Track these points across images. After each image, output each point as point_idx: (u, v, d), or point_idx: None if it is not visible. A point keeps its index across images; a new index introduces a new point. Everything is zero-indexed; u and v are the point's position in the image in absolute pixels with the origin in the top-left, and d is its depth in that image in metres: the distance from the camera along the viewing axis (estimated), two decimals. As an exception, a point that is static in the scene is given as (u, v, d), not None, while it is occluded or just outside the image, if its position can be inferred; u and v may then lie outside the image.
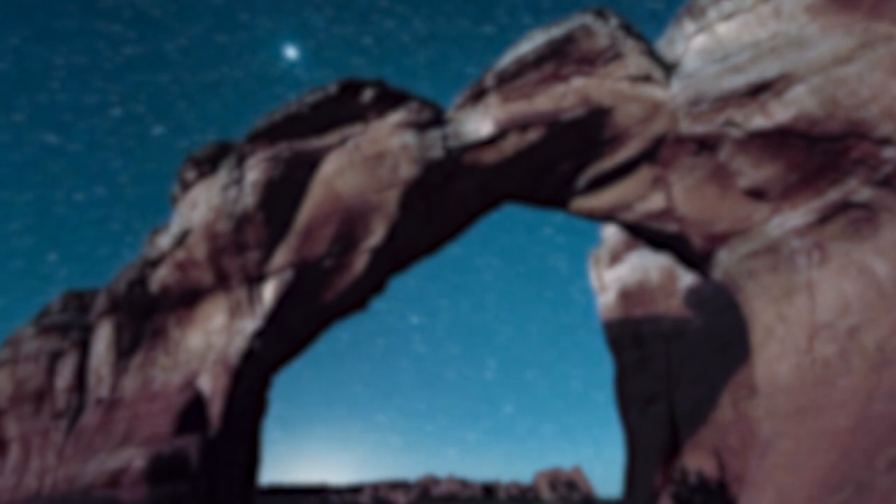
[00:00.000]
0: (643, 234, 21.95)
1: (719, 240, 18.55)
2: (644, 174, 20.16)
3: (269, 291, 23.74)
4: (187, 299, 25.66)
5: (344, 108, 22.99)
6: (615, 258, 39.76)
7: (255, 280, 24.13)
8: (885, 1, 15.03)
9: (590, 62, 19.88)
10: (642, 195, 20.36)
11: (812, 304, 15.71)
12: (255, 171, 23.48)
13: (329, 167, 23.33)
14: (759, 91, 15.90)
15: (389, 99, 22.88)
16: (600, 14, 19.86)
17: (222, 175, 24.79)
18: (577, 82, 20.00)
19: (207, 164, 25.85)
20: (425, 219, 23.86)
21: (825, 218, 15.74)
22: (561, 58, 19.96)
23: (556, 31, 19.92)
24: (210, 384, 23.22)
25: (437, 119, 22.89)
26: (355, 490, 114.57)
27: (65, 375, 27.07)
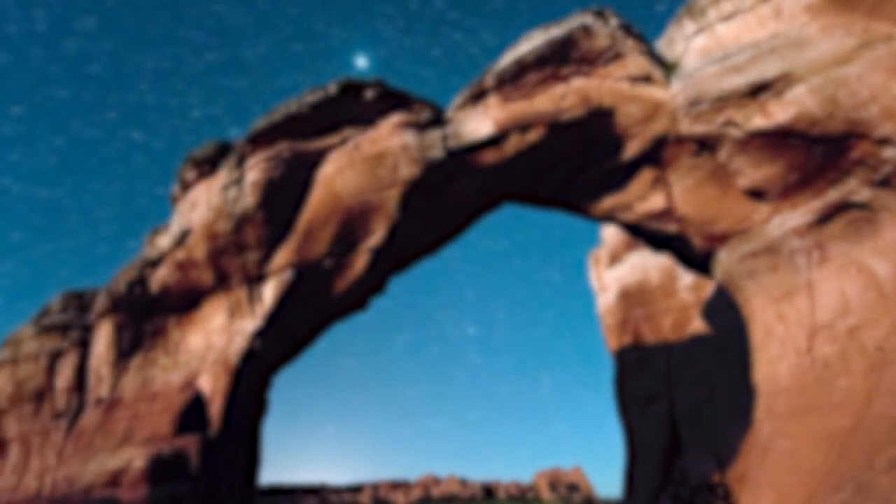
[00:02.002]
0: (643, 234, 21.94)
1: (719, 240, 18.55)
2: (644, 174, 20.16)
3: (269, 291, 23.73)
4: (187, 299, 25.66)
5: (344, 108, 22.98)
6: (615, 258, 39.73)
7: (255, 280, 24.13)
8: (885, 1, 15.03)
9: (590, 62, 19.87)
10: (642, 195, 20.36)
11: (812, 304, 15.70)
12: (255, 171, 23.47)
13: (329, 167, 23.32)
14: (759, 91, 15.90)
15: (389, 99, 22.87)
16: (600, 14, 19.84)
17: (222, 175, 24.79)
18: (577, 83, 19.99)
19: (207, 164, 25.85)
20: (425, 219, 23.85)
21: (825, 218, 15.74)
22: (561, 58, 19.94)
23: (555, 32, 19.89)
24: (210, 384, 23.22)
25: (437, 119, 22.88)
26: (355, 490, 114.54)
27: (65, 375, 27.07)
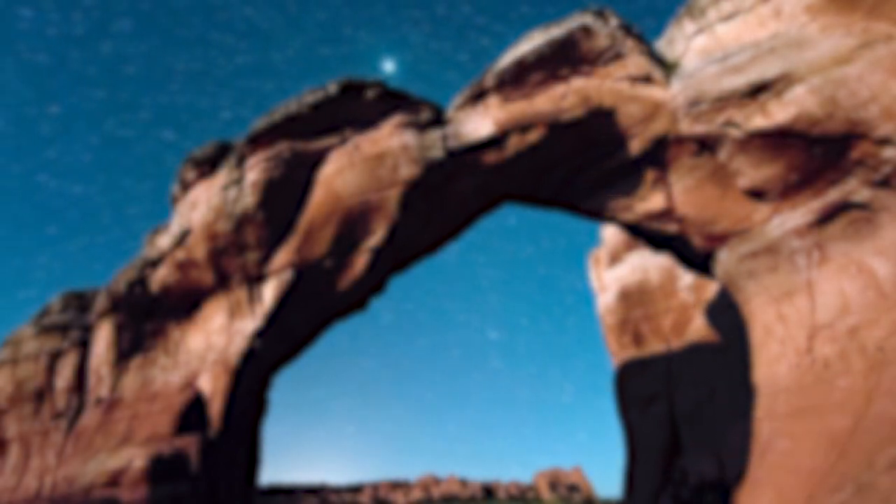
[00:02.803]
0: (643, 234, 21.95)
1: (719, 240, 18.55)
2: (644, 174, 20.16)
3: (269, 291, 23.73)
4: (187, 299, 25.66)
5: (344, 108, 22.99)
6: (615, 258, 39.72)
7: (255, 280, 24.13)
8: (885, 1, 15.03)
9: (590, 62, 19.87)
10: (642, 195, 20.36)
11: (812, 304, 15.70)
12: (254, 171, 23.47)
13: (329, 167, 23.32)
14: (759, 91, 15.90)
15: (390, 99, 22.87)
16: (600, 14, 19.84)
17: (222, 175, 24.79)
18: (577, 83, 19.99)
19: (207, 164, 25.86)
20: (425, 219, 23.85)
21: (825, 218, 15.74)
22: (561, 58, 19.94)
23: (555, 32, 19.89)
24: (210, 384, 23.22)
25: (438, 119, 22.89)
26: (355, 490, 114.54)
27: (65, 375, 27.07)
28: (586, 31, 19.44)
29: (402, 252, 24.78)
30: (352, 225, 23.08)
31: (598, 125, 19.79)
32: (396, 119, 22.78)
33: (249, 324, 23.66)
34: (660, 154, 19.38)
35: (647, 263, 37.12)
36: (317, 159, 23.61)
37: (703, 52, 18.25)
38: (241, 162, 24.43)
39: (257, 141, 23.77)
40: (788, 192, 16.34)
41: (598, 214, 22.39)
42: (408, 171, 22.09)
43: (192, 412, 22.60)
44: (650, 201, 20.16)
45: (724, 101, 16.62)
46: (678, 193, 19.31)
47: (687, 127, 17.90)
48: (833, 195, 15.54)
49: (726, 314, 30.14)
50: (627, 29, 19.62)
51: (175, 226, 26.06)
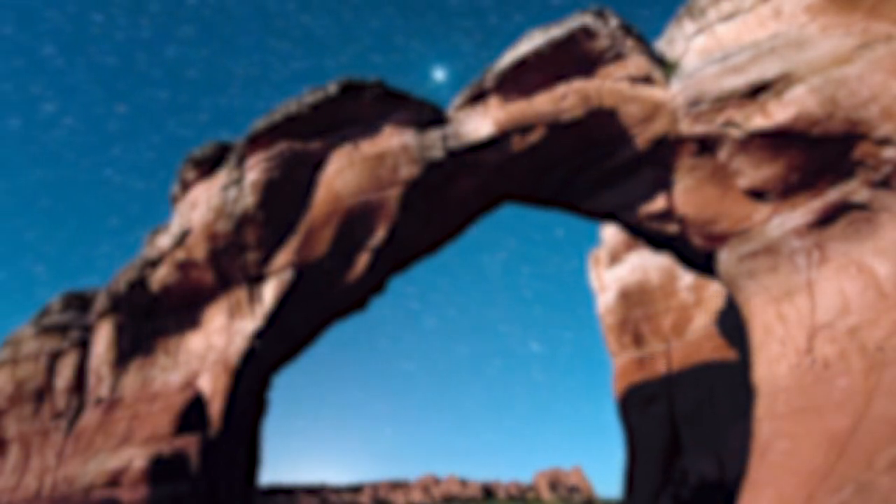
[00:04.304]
0: (643, 234, 21.95)
1: (719, 240, 18.55)
2: (644, 174, 20.16)
3: (269, 291, 23.73)
4: (187, 299, 25.66)
5: (344, 108, 22.99)
6: (615, 258, 39.72)
7: (255, 280, 24.13)
8: (885, 1, 15.04)
9: (590, 63, 19.88)
10: (642, 195, 20.36)
11: (812, 304, 15.71)
12: (254, 171, 23.47)
13: (329, 167, 23.32)
14: (758, 91, 15.90)
15: (390, 99, 22.87)
16: (600, 14, 19.83)
17: (222, 175, 24.79)
18: (577, 83, 19.99)
19: (207, 164, 25.85)
20: (425, 219, 23.86)
21: (825, 218, 15.74)
22: (561, 58, 19.94)
23: (555, 32, 19.89)
24: (210, 384, 23.22)
25: (438, 119, 22.89)
26: (355, 490, 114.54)
27: (65, 375, 27.07)
28: (586, 31, 19.44)
29: (402, 252, 24.79)
30: (352, 225, 23.08)
31: (598, 125, 19.79)
32: (396, 119, 22.78)
33: (249, 324, 23.66)
34: (660, 154, 19.38)
35: (647, 263, 37.13)
36: (317, 159, 23.61)
37: (703, 52, 18.25)
38: (241, 162, 24.43)
39: (257, 141, 23.77)
40: (788, 192, 16.34)
41: (598, 214, 22.40)
42: (408, 171, 22.09)
43: (192, 412, 22.60)
44: (650, 201, 20.17)
45: (724, 101, 16.62)
46: (678, 193, 19.32)
47: (687, 127, 17.90)
48: (833, 195, 15.54)
49: (726, 314, 30.15)
50: (627, 29, 19.62)
51: (175, 226, 26.05)
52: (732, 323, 28.11)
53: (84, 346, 27.63)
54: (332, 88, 22.66)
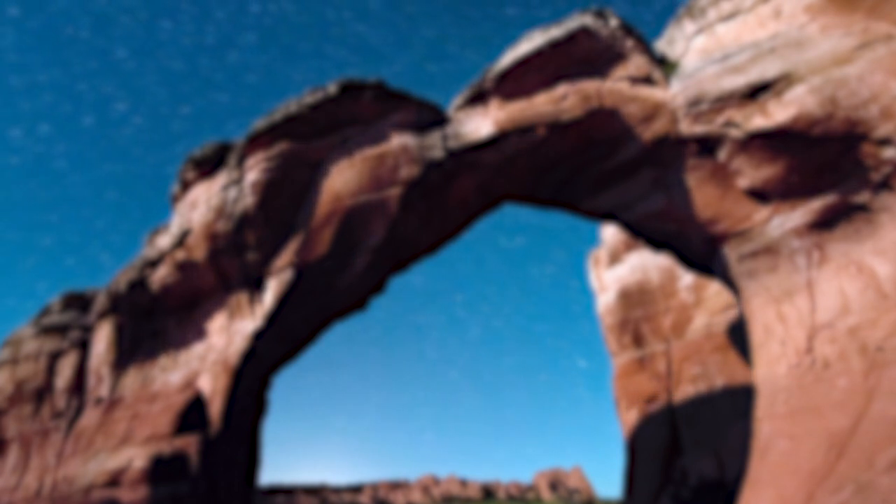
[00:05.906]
0: (643, 234, 21.94)
1: (719, 240, 18.55)
2: (644, 174, 20.15)
3: (269, 291, 23.73)
4: (187, 299, 25.66)
5: (344, 108, 22.97)
6: (615, 258, 39.71)
7: (255, 280, 24.13)
8: (885, 1, 15.04)
9: (590, 63, 19.86)
10: (642, 195, 20.36)
11: (812, 304, 15.70)
12: (254, 172, 23.47)
13: (329, 167, 23.32)
14: (759, 91, 15.90)
15: (390, 99, 22.87)
16: (600, 14, 19.82)
17: (222, 175, 24.78)
18: (577, 83, 19.98)
19: (207, 164, 25.84)
20: (425, 219, 23.85)
21: (825, 218, 15.74)
22: (561, 58, 19.94)
23: (555, 32, 19.88)
24: (210, 384, 23.22)
25: (438, 119, 22.88)
26: (355, 490, 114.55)
27: (65, 375, 27.07)
28: (586, 31, 19.44)
29: (402, 252, 24.78)
30: (352, 225, 23.08)
31: (598, 125, 19.79)
32: (396, 119, 22.77)
33: (249, 324, 23.65)
34: (660, 154, 19.38)
35: (647, 263, 37.12)
36: (317, 160, 23.60)
37: (703, 52, 18.25)
38: (240, 162, 24.42)
39: (257, 141, 23.77)
40: (788, 192, 16.34)
41: (598, 214, 22.39)
42: (408, 171, 22.09)
43: (192, 412, 22.60)
44: (650, 201, 20.16)
45: (724, 101, 16.62)
46: (678, 193, 19.31)
47: (687, 127, 17.90)
48: (833, 195, 15.54)
49: (726, 314, 30.14)
50: (628, 29, 19.61)
51: (175, 226, 26.05)
52: (732, 322, 28.11)
53: (84, 346, 27.64)
54: (331, 88, 22.66)
